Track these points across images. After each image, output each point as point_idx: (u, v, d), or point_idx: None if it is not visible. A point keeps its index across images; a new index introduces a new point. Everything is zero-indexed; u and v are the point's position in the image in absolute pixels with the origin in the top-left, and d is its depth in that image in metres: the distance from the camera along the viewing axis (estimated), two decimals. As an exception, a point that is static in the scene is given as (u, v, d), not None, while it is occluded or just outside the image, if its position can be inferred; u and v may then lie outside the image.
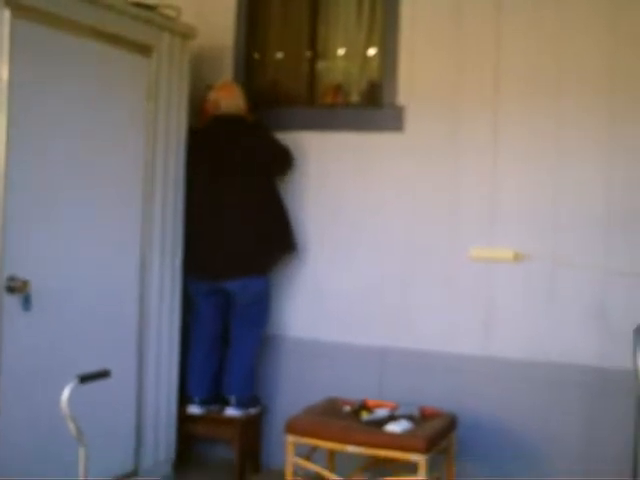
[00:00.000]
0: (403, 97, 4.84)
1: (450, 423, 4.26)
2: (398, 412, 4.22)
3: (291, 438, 4.12)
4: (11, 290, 3.62)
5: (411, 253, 4.80)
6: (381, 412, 4.21)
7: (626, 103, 4.38)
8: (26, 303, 3.68)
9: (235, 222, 4.73)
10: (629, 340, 3.93)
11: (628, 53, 4.37)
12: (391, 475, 4.21)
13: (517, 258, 4.53)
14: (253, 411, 4.91)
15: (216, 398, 4.93)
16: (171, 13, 4.60)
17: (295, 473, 4.13)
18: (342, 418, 4.21)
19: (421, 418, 4.21)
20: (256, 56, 5.35)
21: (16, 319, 3.66)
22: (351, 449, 4.01)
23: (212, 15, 5.19)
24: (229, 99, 4.91)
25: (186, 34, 4.70)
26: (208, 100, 4.94)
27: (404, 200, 4.83)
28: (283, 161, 4.96)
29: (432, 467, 4.00)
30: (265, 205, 4.84)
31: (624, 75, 4.39)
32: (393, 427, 4.02)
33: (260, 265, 4.86)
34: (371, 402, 4.36)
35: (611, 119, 4.41)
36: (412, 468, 3.94)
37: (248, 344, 4.90)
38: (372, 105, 5.02)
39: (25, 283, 3.65)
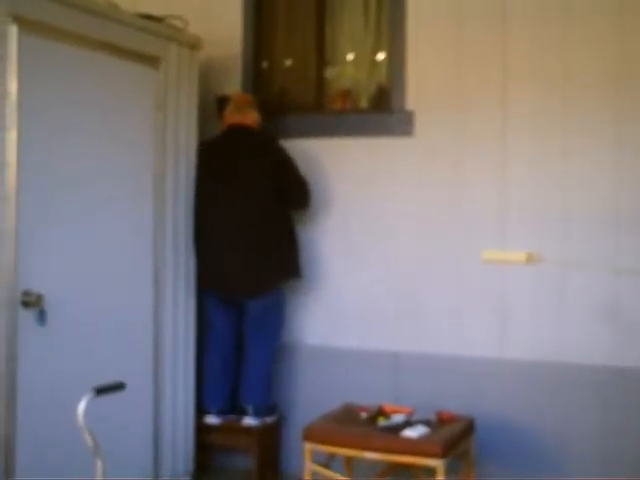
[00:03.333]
0: (412, 101, 4.84)
1: (467, 427, 4.24)
2: (415, 417, 4.21)
3: (309, 446, 4.11)
4: (26, 305, 3.64)
5: (423, 257, 4.80)
6: (398, 418, 4.20)
7: (632, 104, 4.38)
8: (41, 317, 3.69)
9: (245, 238, 4.70)
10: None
11: (635, 57, 4.37)
12: (410, 480, 4.21)
13: (530, 260, 4.52)
14: (270, 420, 4.90)
15: (233, 407, 4.92)
16: (178, 24, 4.62)
17: (313, 480, 4.14)
18: (359, 425, 4.20)
19: (438, 423, 4.19)
20: (264, 64, 5.36)
21: (31, 333, 3.67)
22: (369, 455, 4.00)
23: (219, 25, 5.20)
24: (242, 110, 4.91)
25: (193, 45, 4.71)
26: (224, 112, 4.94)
27: (415, 204, 4.83)
28: (301, 196, 4.90)
29: (452, 471, 3.99)
30: (274, 224, 4.78)
31: (630, 77, 4.38)
32: (410, 432, 4.01)
33: (269, 285, 4.83)
34: (388, 408, 4.34)
35: (618, 120, 4.40)
36: (432, 473, 3.93)
37: (263, 352, 4.89)
38: (381, 110, 5.02)
39: (40, 297, 3.66)
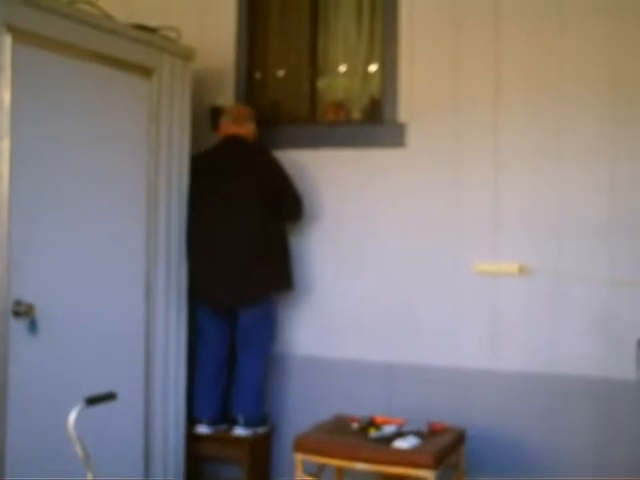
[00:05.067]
0: (404, 113, 4.85)
1: (458, 438, 4.25)
2: (406, 428, 4.22)
3: (300, 456, 4.11)
4: (17, 314, 3.63)
5: (415, 268, 4.80)
6: (389, 428, 4.21)
7: (629, 111, 4.38)
8: (32, 327, 3.69)
9: (237, 249, 4.71)
10: (633, 351, 3.93)
11: (631, 59, 4.38)
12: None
13: (522, 271, 4.53)
14: (261, 430, 4.90)
15: (224, 418, 4.92)
16: (172, 35, 4.63)
17: (304, 491, 4.14)
18: (350, 435, 4.20)
19: (429, 434, 4.20)
20: (257, 75, 5.37)
21: (22, 343, 3.66)
22: (359, 466, 4.01)
23: (213, 36, 5.22)
24: (239, 122, 4.92)
25: (187, 56, 4.72)
26: (220, 123, 4.95)
27: (407, 215, 4.83)
28: (294, 209, 4.89)
29: (442, 482, 4.00)
30: (266, 235, 4.77)
31: (627, 83, 4.39)
32: (401, 443, 4.01)
33: (259, 294, 4.82)
34: (379, 419, 4.35)
35: (614, 129, 4.41)
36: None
37: (254, 363, 4.88)
38: (373, 121, 5.03)
39: (31, 307, 3.66)
